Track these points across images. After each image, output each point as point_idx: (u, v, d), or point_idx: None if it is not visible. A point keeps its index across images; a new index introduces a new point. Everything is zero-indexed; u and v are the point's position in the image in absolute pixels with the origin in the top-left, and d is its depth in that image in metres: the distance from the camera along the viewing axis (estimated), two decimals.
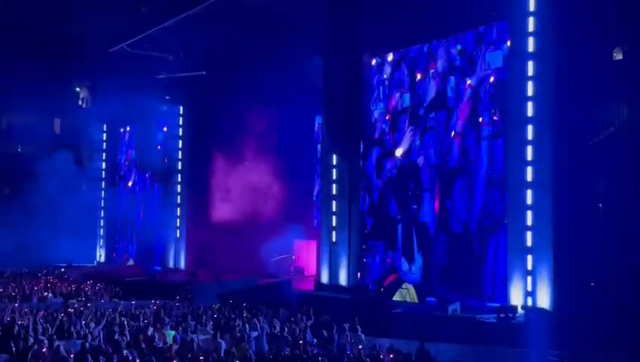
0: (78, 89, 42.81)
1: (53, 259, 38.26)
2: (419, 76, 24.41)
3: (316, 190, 31.26)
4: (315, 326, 18.87)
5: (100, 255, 44.73)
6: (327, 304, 22.80)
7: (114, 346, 15.23)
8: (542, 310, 18.85)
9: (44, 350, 14.46)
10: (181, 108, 36.37)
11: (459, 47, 22.94)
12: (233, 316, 19.81)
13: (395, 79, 25.48)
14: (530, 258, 19.42)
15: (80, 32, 32.43)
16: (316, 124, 31.25)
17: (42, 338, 15.44)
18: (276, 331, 17.80)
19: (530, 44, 19.92)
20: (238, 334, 16.99)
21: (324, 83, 27.22)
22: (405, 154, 24.76)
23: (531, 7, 19.95)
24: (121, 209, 43.00)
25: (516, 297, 19.57)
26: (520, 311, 19.14)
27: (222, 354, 14.74)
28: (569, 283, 18.61)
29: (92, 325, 17.90)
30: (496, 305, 19.84)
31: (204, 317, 19.87)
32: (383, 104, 25.93)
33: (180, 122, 36.47)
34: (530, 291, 19.27)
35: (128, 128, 42.80)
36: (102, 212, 44.54)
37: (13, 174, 41.85)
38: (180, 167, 36.22)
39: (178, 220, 35.91)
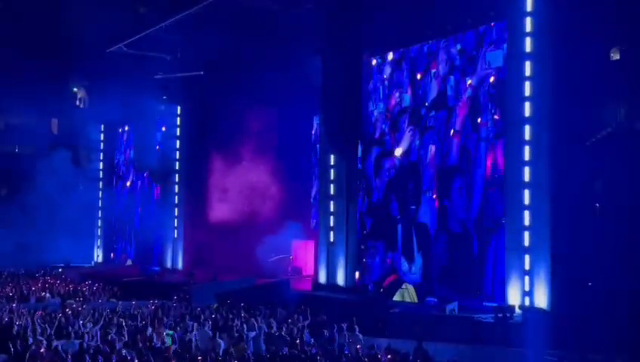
0: (75, 89, 42.78)
1: (51, 259, 38.25)
2: (419, 76, 24.42)
3: (314, 190, 31.27)
4: (312, 326, 18.89)
5: (98, 255, 44.72)
6: (324, 304, 22.81)
7: (111, 346, 15.25)
8: (539, 310, 18.86)
9: (42, 350, 14.46)
10: (179, 108, 36.38)
11: (459, 46, 22.95)
12: (231, 316, 19.81)
13: (395, 79, 25.49)
14: (527, 258, 19.43)
15: (78, 32, 32.40)
16: (314, 125, 31.26)
17: (40, 338, 15.43)
18: (274, 331, 17.83)
19: (528, 45, 19.94)
20: (236, 334, 17.00)
21: (322, 83, 27.21)
22: (405, 154, 24.77)
23: (529, 8, 19.96)
24: (119, 209, 43.00)
25: (514, 297, 19.58)
26: (517, 310, 19.14)
27: (220, 354, 14.73)
28: (566, 283, 18.64)
29: (90, 325, 17.90)
30: (494, 305, 19.86)
31: (202, 317, 19.87)
32: (382, 104, 25.94)
33: (178, 122, 36.48)
34: (527, 291, 19.28)
35: (126, 128, 42.79)
36: (99, 212, 44.54)
37: (11, 174, 41.84)
38: (177, 167, 36.21)
39: (176, 220, 35.91)
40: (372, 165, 26.14)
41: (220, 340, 16.01)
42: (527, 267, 19.39)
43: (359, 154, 26.61)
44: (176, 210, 35.98)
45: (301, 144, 32.20)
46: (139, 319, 19.24)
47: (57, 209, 38.37)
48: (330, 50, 26.72)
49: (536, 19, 19.85)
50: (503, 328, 18.32)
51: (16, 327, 17.25)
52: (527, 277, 19.37)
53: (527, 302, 19.23)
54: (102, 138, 44.67)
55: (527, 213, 19.59)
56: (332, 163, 26.96)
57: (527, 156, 19.72)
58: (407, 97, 24.87)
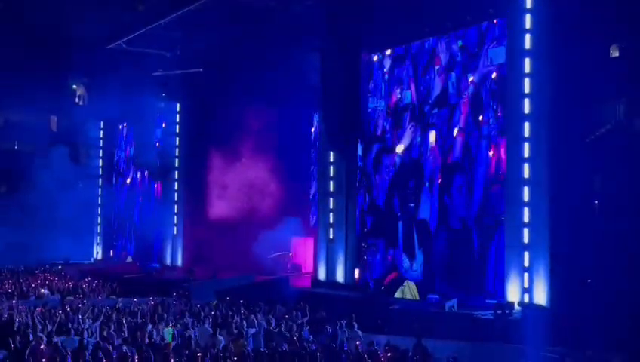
0: (74, 86, 42.75)
1: (51, 256, 38.26)
2: (421, 72, 24.38)
3: (313, 187, 31.29)
4: (312, 323, 18.92)
5: (97, 252, 44.72)
6: (324, 301, 22.84)
7: (111, 342, 15.28)
8: (538, 307, 18.89)
9: (42, 346, 14.48)
10: (178, 105, 36.35)
11: (460, 43, 22.90)
12: (231, 313, 19.84)
13: (396, 76, 25.46)
14: (527, 254, 19.45)
15: (77, 29, 32.37)
16: (314, 122, 31.26)
17: (40, 335, 15.45)
18: (273, 328, 17.86)
19: (527, 42, 19.94)
20: (236, 331, 17.03)
21: (321, 80, 27.23)
22: (406, 151, 24.75)
23: (528, 5, 19.95)
24: (119, 206, 43.01)
25: (513, 294, 19.61)
26: (517, 307, 19.18)
27: (220, 351, 14.75)
28: (565, 279, 18.66)
29: (89, 321, 17.93)
30: (494, 301, 19.88)
31: (202, 314, 19.89)
32: (383, 101, 25.92)
33: (177, 119, 36.46)
34: (526, 288, 19.31)
35: (125, 125, 42.77)
36: (99, 209, 44.52)
37: (10, 171, 41.82)
38: (177, 165, 36.19)
39: (175, 217, 35.91)
40: (372, 162, 26.12)
41: (220, 337, 16.04)
42: (526, 264, 19.41)
43: (359, 151, 26.60)
44: (175, 207, 35.97)
45: (300, 141, 32.23)
46: (138, 316, 19.25)
47: (57, 206, 38.32)
48: (329, 48, 26.72)
49: (535, 16, 19.85)
50: (502, 325, 18.35)
51: (16, 324, 17.26)
52: (526, 274, 19.39)
53: (526, 299, 19.25)
54: (101, 135, 44.64)
55: (526, 210, 19.61)
56: (331, 160, 26.98)
57: (526, 153, 19.73)
58: (409, 94, 24.84)
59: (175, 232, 35.83)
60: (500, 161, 21.25)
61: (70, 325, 17.34)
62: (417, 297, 23.49)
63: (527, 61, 19.88)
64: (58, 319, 18.17)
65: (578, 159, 18.90)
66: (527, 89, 19.82)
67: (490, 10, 21.83)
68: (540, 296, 19.04)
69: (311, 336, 17.74)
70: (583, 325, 16.52)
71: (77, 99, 43.55)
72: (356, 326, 17.69)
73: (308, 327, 18.58)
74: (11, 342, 15.18)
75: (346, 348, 15.57)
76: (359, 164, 26.57)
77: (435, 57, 23.82)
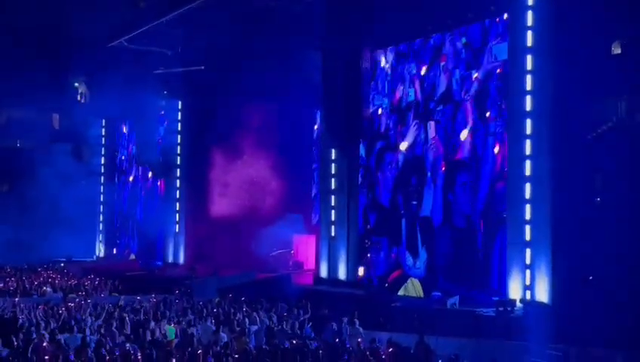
0: (76, 84, 42.73)
1: (53, 254, 38.28)
2: (424, 69, 24.35)
3: (315, 185, 31.29)
4: (314, 320, 18.95)
5: (100, 250, 44.77)
6: (325, 298, 22.86)
7: (113, 340, 15.32)
8: (540, 304, 18.90)
9: (44, 344, 14.52)
10: (180, 103, 36.35)
11: (464, 40, 22.86)
12: (233, 310, 19.86)
13: (399, 73, 25.44)
14: (528, 252, 19.46)
15: (79, 27, 32.38)
16: (317, 120, 31.25)
17: (43, 332, 15.49)
18: (275, 325, 17.88)
19: (529, 39, 19.93)
20: (238, 328, 17.06)
21: (323, 78, 27.24)
22: (410, 148, 24.73)
23: (530, 1, 19.94)
24: (122, 204, 43.04)
25: (515, 291, 19.62)
26: (518, 304, 19.19)
27: (222, 347, 14.78)
28: (567, 277, 18.67)
29: (91, 319, 17.97)
30: (496, 299, 19.90)
31: (205, 311, 19.92)
32: (387, 98, 25.89)
33: (179, 117, 36.46)
34: (528, 285, 19.32)
35: (127, 123, 42.79)
36: (101, 207, 44.56)
37: (12, 169, 41.83)
38: (178, 162, 36.21)
39: (177, 215, 35.93)
40: (375, 159, 26.11)
41: (222, 334, 16.06)
42: (528, 261, 19.42)
43: (362, 148, 26.56)
44: (177, 204, 35.99)
45: (302, 138, 32.24)
46: (141, 313, 19.27)
47: (59, 204, 38.35)
48: (330, 45, 26.72)
49: (537, 13, 19.83)
50: (504, 322, 18.37)
51: (19, 321, 17.30)
52: (528, 271, 19.40)
53: (528, 296, 19.27)
54: (103, 133, 44.66)
55: (528, 208, 19.61)
56: (333, 157, 26.99)
57: (528, 150, 19.73)
58: (413, 91, 24.81)
59: (177, 230, 35.85)
60: (505, 158, 21.21)
61: (73, 322, 17.37)
62: (422, 294, 23.46)
63: (528, 58, 19.86)
64: (61, 317, 18.22)
65: (580, 156, 18.90)
66: (528, 86, 19.81)
67: (491, 7, 21.81)
68: (542, 292, 19.05)
69: (313, 333, 17.78)
70: (584, 322, 16.52)
71: (79, 97, 43.51)
72: (357, 323, 17.71)
73: (310, 324, 18.60)
74: (14, 339, 15.22)
75: (348, 346, 15.59)
76: (363, 161, 26.55)
77: (439, 54, 23.78)
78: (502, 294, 20.24)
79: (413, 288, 23.96)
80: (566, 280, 18.68)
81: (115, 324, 17.04)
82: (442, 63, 23.66)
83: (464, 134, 22.63)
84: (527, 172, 19.70)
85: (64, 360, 13.23)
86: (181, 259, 35.37)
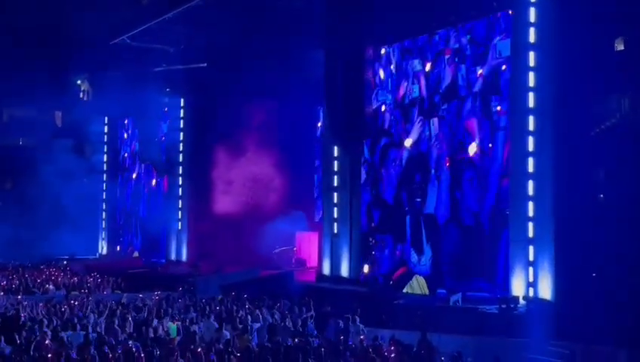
0: (79, 82, 42.74)
1: (56, 251, 38.30)
2: (428, 66, 24.27)
3: (318, 182, 31.27)
4: (317, 318, 18.94)
5: (102, 247, 44.78)
6: (328, 295, 22.84)
7: (116, 337, 15.32)
8: (543, 301, 18.87)
9: (47, 342, 14.53)
10: (182, 100, 36.34)
11: (469, 36, 22.77)
12: (235, 307, 19.86)
13: (403, 69, 25.36)
14: (531, 249, 19.42)
15: (81, 24, 32.37)
16: (318, 117, 31.22)
17: (46, 330, 15.50)
18: (277, 322, 17.87)
19: (532, 35, 19.87)
20: (240, 326, 17.05)
21: (325, 74, 27.21)
22: (415, 144, 24.67)
23: None
24: (125, 201, 43.07)
25: (518, 288, 19.59)
26: (521, 301, 19.16)
27: (224, 345, 14.77)
28: (570, 274, 18.63)
29: (94, 316, 17.97)
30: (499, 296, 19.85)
31: (207, 308, 19.92)
32: (390, 95, 25.83)
33: (182, 114, 36.44)
34: (531, 282, 19.28)
35: (130, 121, 42.79)
36: (104, 204, 44.57)
37: (15, 167, 41.85)
38: (181, 160, 36.20)
39: (180, 212, 35.93)
40: (379, 156, 26.06)
41: (225, 331, 16.06)
42: (531, 258, 19.39)
43: (366, 145, 26.51)
44: (180, 201, 35.99)
45: (305, 136, 32.20)
46: (145, 311, 19.28)
47: (61, 201, 38.38)
48: (332, 42, 26.68)
49: (540, 9, 19.77)
50: (507, 319, 18.34)
51: (22, 319, 17.31)
52: (531, 268, 19.37)
53: (531, 293, 19.24)
54: (105, 130, 44.64)
55: (531, 204, 19.56)
56: (335, 155, 26.96)
57: (531, 147, 19.68)
58: (417, 87, 24.74)
59: (179, 227, 35.86)
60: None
61: (75, 320, 17.38)
62: (427, 292, 23.37)
63: (531, 55, 19.82)
64: (65, 314, 18.23)
65: (583, 153, 18.84)
66: (531, 83, 19.76)
67: (494, 3, 21.74)
68: (545, 289, 19.02)
69: (315, 331, 17.77)
70: (587, 319, 16.48)
71: (81, 95, 43.53)
72: (358, 320, 17.71)
73: (313, 322, 18.59)
74: (17, 337, 15.23)
75: (350, 343, 15.57)
76: (367, 158, 26.48)
77: (444, 50, 23.69)
78: (507, 291, 20.20)
79: (418, 286, 23.90)
80: (569, 277, 18.64)
81: (117, 322, 17.05)
82: (447, 56, 23.50)
83: (473, 148, 22.44)
84: (530, 169, 19.65)
85: (66, 357, 13.22)
86: (184, 257, 35.39)
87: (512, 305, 18.81)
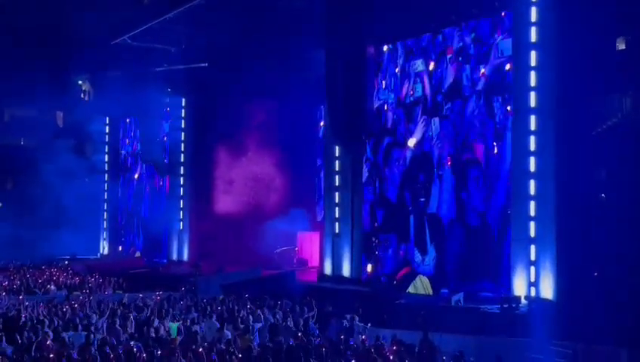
0: (80, 82, 42.75)
1: (57, 251, 38.32)
2: (432, 65, 24.23)
3: (319, 182, 31.25)
4: (318, 317, 18.93)
5: (104, 247, 44.80)
6: (330, 295, 22.83)
7: (117, 337, 15.31)
8: (545, 300, 18.85)
9: (48, 342, 14.53)
10: (183, 100, 36.34)
11: (472, 35, 22.70)
12: (237, 307, 19.85)
13: (406, 69, 25.30)
14: (533, 248, 19.39)
15: (82, 24, 32.37)
16: (320, 116, 31.20)
17: (47, 330, 15.50)
18: (279, 322, 17.87)
19: (533, 34, 19.85)
20: (242, 325, 17.04)
21: (327, 74, 27.19)
22: (418, 144, 24.63)
23: None
24: (126, 201, 43.08)
25: (519, 287, 19.56)
26: (523, 301, 19.13)
27: (225, 345, 14.76)
28: (572, 273, 18.61)
29: (96, 317, 17.97)
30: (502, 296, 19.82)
31: (209, 308, 19.91)
32: (393, 94, 25.79)
33: (183, 114, 36.45)
34: (533, 281, 19.26)
35: (131, 121, 42.81)
36: (105, 204, 44.59)
37: (16, 167, 41.89)
38: (182, 160, 36.20)
39: (181, 212, 35.94)
40: (382, 156, 26.02)
41: (226, 331, 16.05)
42: (532, 258, 19.36)
43: (367, 145, 26.47)
44: (181, 201, 36.00)
45: (306, 135, 32.18)
46: (147, 311, 19.26)
47: (63, 201, 38.39)
48: (334, 41, 26.66)
49: (541, 8, 19.75)
50: (508, 319, 18.32)
51: (23, 319, 17.31)
52: (532, 268, 19.34)
53: (532, 293, 19.20)
54: (107, 130, 44.69)
55: (532, 204, 19.54)
56: (337, 154, 26.94)
57: (532, 146, 19.65)
58: (420, 87, 24.70)
59: (181, 227, 35.87)
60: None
61: (77, 320, 17.38)
62: (430, 292, 23.29)
63: (533, 54, 19.79)
64: (66, 315, 18.22)
65: (584, 152, 18.83)
66: (533, 82, 19.74)
67: (495, 2, 21.72)
68: (547, 289, 18.99)
69: (317, 331, 17.76)
70: (589, 319, 16.47)
71: (82, 95, 43.54)
72: (357, 319, 17.70)
73: (314, 322, 18.58)
74: (18, 337, 15.22)
75: (352, 343, 15.56)
76: (369, 157, 26.43)
77: (446, 48, 23.65)
78: (510, 291, 20.17)
79: (422, 286, 23.85)
80: (571, 277, 18.62)
81: (118, 322, 17.05)
82: (449, 56, 23.48)
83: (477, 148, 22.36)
84: (532, 168, 19.62)
85: (68, 358, 13.22)
86: (185, 257, 35.40)
87: (513, 305, 18.80)
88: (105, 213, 44.55)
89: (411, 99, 25.03)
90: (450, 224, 23.09)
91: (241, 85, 31.48)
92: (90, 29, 32.43)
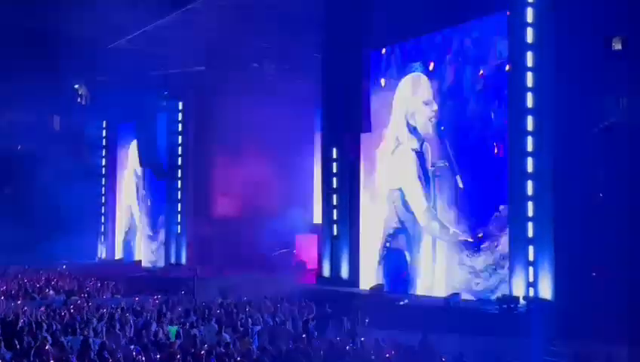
0: (76, 86, 42.70)
1: (55, 255, 38.25)
2: (431, 66, 24.20)
3: (317, 183, 31.24)
4: (317, 320, 18.92)
5: (101, 251, 44.75)
6: (328, 297, 22.82)
7: (116, 341, 15.28)
8: (543, 300, 18.87)
9: (47, 347, 14.49)
10: (180, 103, 36.32)
11: (472, 35, 22.73)
12: (235, 310, 19.84)
13: (404, 69, 25.31)
14: (531, 248, 19.43)
15: (79, 28, 32.34)
16: (317, 118, 31.20)
17: (46, 335, 15.46)
18: (278, 325, 17.86)
19: (529, 35, 19.87)
20: (241, 329, 17.03)
21: (323, 75, 27.24)
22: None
23: None
24: (123, 205, 43.01)
25: (518, 288, 19.58)
26: (522, 301, 19.15)
27: (224, 348, 14.74)
28: (570, 273, 18.63)
29: (94, 321, 17.94)
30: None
31: (207, 312, 19.90)
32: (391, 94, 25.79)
33: (180, 117, 36.42)
34: (531, 282, 19.28)
35: (128, 124, 42.75)
36: (103, 208, 44.54)
37: (13, 171, 41.83)
38: (180, 163, 36.18)
39: (179, 215, 35.91)
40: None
41: (225, 335, 16.04)
42: (530, 258, 19.38)
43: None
44: (179, 205, 35.97)
45: (303, 138, 32.20)
46: (147, 315, 19.24)
47: (60, 205, 38.34)
48: (332, 43, 26.67)
49: (537, 9, 19.78)
50: (507, 319, 18.34)
51: (21, 324, 17.28)
52: (531, 268, 19.36)
53: (531, 293, 19.23)
54: (104, 134, 44.66)
55: (530, 204, 19.56)
56: (334, 156, 26.95)
57: (529, 147, 19.68)
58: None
59: (179, 231, 35.84)
60: None
61: (76, 324, 17.34)
62: (430, 293, 23.32)
63: (529, 55, 19.81)
64: (65, 319, 18.19)
65: (582, 152, 18.85)
66: (529, 83, 19.76)
67: (495, 3, 21.72)
68: (545, 289, 19.02)
69: (316, 333, 17.74)
70: (588, 318, 16.49)
71: (79, 99, 43.47)
72: (356, 321, 17.69)
73: (314, 324, 18.56)
74: (17, 342, 15.18)
75: (351, 344, 15.55)
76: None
77: (444, 50, 23.67)
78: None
79: (422, 286, 23.86)
80: (569, 277, 18.64)
81: (117, 326, 17.01)
82: (447, 56, 23.48)
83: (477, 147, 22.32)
84: (529, 169, 19.65)
85: None
86: (183, 260, 35.36)
87: (512, 305, 18.81)
88: (102, 217, 44.51)
89: None
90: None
91: (238, 88, 31.47)
92: (86, 32, 32.40)
